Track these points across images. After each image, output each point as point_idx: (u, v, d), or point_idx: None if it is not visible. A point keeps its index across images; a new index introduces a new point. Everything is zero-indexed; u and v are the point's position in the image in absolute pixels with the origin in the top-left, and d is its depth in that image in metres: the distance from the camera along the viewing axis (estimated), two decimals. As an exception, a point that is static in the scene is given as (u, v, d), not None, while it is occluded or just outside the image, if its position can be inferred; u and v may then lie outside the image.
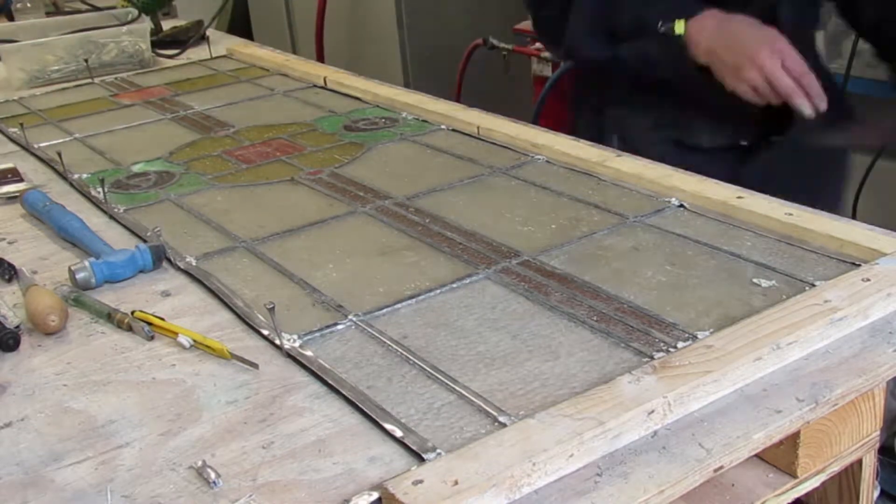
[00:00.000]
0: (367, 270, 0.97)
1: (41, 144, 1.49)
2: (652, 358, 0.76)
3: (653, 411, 0.68)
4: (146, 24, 2.06)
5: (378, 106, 1.57)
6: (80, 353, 0.86)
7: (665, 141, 1.43)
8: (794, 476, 0.78)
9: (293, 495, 0.65)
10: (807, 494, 0.81)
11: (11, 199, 1.26)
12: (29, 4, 2.44)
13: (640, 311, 0.85)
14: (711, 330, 0.79)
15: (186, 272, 1.01)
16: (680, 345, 0.78)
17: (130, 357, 0.85)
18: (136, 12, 2.12)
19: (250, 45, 2.17)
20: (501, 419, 0.70)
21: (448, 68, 3.35)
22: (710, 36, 1.25)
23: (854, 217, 1.02)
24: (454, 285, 0.92)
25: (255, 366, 0.81)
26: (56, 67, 1.96)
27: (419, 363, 0.79)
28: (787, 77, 1.21)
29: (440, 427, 0.70)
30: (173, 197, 1.23)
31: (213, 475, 0.66)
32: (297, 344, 0.83)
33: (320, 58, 3.61)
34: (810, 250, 0.94)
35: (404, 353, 0.81)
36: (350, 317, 0.87)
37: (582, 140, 1.29)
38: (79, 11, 2.11)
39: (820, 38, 2.15)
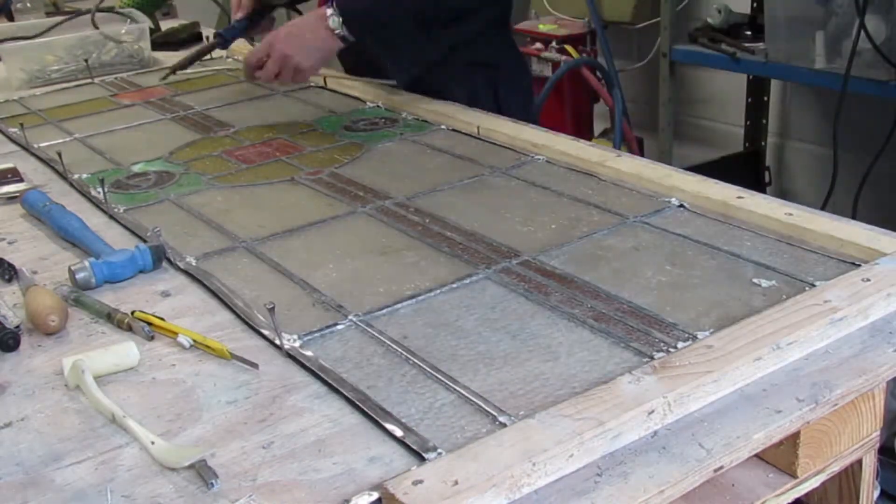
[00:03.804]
0: (367, 270, 0.97)
1: (41, 144, 1.49)
2: (652, 358, 0.76)
3: (653, 411, 0.68)
4: (146, 24, 2.06)
5: (378, 106, 1.58)
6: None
7: None
8: (794, 476, 0.78)
9: (293, 495, 0.65)
10: (807, 494, 0.81)
11: (11, 199, 1.26)
12: (29, 4, 2.45)
13: (640, 311, 0.85)
14: (711, 330, 0.79)
15: (186, 272, 1.01)
16: (680, 345, 0.77)
17: (130, 357, 0.85)
18: (135, 12, 2.12)
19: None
20: (501, 419, 0.70)
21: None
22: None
23: (854, 217, 1.02)
24: (454, 285, 0.92)
25: (255, 366, 0.81)
26: (56, 67, 1.95)
27: (419, 363, 0.79)
28: None
29: (440, 427, 0.70)
30: (173, 197, 1.23)
31: (212, 475, 0.66)
32: (297, 344, 0.83)
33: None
34: (810, 250, 0.94)
35: (404, 353, 0.81)
36: (350, 317, 0.87)
37: (582, 140, 1.29)
38: (78, 11, 2.11)
39: (820, 38, 2.15)
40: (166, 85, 1.85)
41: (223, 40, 1.70)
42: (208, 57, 2.04)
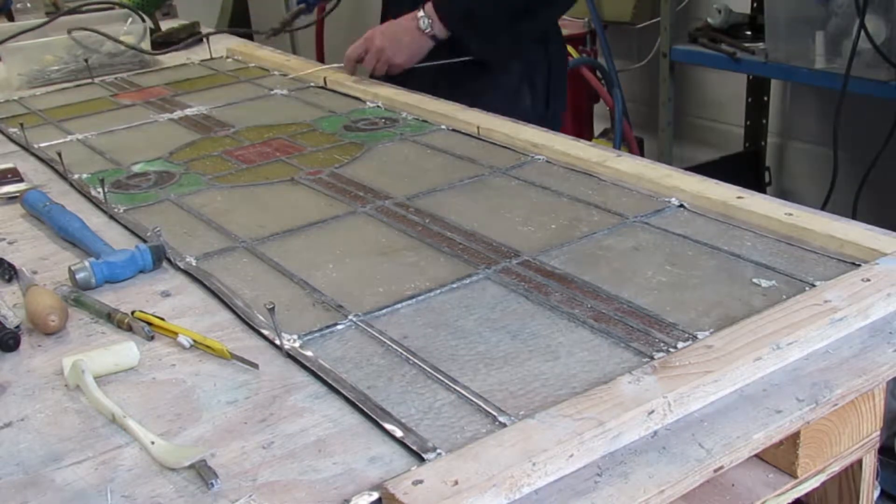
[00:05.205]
0: (367, 270, 0.97)
1: (41, 144, 1.49)
2: (652, 358, 0.76)
3: (653, 411, 0.68)
4: (146, 24, 2.06)
5: (378, 106, 1.58)
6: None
7: None
8: (794, 476, 0.78)
9: (293, 495, 0.65)
10: (807, 494, 0.81)
11: (11, 199, 1.26)
12: (29, 4, 2.45)
13: (640, 311, 0.85)
14: (711, 330, 0.79)
15: (186, 272, 1.01)
16: (680, 345, 0.77)
17: (130, 357, 0.85)
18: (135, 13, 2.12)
19: (250, 45, 2.17)
20: (501, 419, 0.70)
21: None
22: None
23: (854, 217, 1.02)
24: (454, 285, 0.92)
25: (255, 366, 0.81)
26: (56, 67, 1.95)
27: (419, 363, 0.79)
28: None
29: (440, 427, 0.70)
30: (173, 197, 1.23)
31: (212, 475, 0.66)
32: (297, 344, 0.83)
33: (320, 58, 3.61)
34: (810, 250, 0.94)
35: (404, 353, 0.81)
36: (350, 317, 0.87)
37: (582, 140, 1.29)
38: (79, 11, 2.11)
39: (820, 38, 2.15)
40: (166, 85, 1.85)
41: (308, 5, 1.83)
42: (209, 58, 2.04)
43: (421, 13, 1.58)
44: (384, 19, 1.78)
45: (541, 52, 1.74)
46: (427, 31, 1.57)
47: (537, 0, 1.63)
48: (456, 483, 0.61)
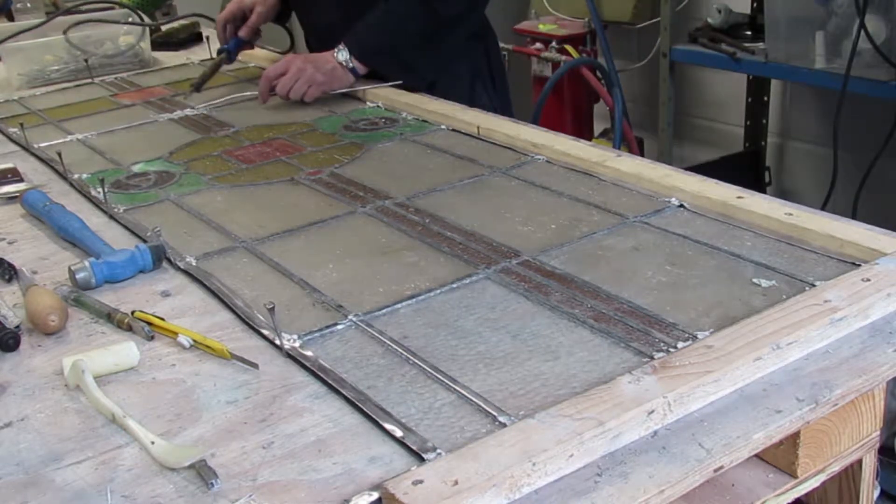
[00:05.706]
0: (367, 270, 0.97)
1: (41, 144, 1.49)
2: (652, 358, 0.76)
3: (653, 411, 0.68)
4: (146, 23, 2.06)
5: (378, 106, 1.58)
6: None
7: None
8: (794, 476, 0.78)
9: (293, 495, 0.65)
10: (807, 494, 0.81)
11: (11, 199, 1.26)
12: (29, 4, 2.44)
13: (640, 311, 0.85)
14: (711, 330, 0.79)
15: (186, 272, 1.01)
16: (680, 345, 0.77)
17: (130, 357, 0.85)
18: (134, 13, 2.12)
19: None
20: (501, 419, 0.70)
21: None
22: None
23: (854, 217, 1.02)
24: (454, 285, 0.92)
25: (255, 366, 0.81)
26: (56, 67, 1.95)
27: (419, 363, 0.79)
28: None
29: (440, 427, 0.70)
30: (173, 197, 1.23)
31: (212, 475, 0.66)
32: (297, 344, 0.83)
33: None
34: (810, 250, 0.94)
35: (404, 353, 0.81)
36: (350, 317, 0.87)
37: (582, 140, 1.29)
38: (78, 11, 2.11)
39: (820, 38, 2.15)
40: (166, 85, 1.85)
41: (229, 53, 1.83)
42: (208, 57, 2.04)
43: (338, 48, 1.60)
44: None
45: (481, 47, 1.77)
46: (346, 64, 1.59)
47: (447, 21, 1.61)
48: (456, 483, 0.61)
